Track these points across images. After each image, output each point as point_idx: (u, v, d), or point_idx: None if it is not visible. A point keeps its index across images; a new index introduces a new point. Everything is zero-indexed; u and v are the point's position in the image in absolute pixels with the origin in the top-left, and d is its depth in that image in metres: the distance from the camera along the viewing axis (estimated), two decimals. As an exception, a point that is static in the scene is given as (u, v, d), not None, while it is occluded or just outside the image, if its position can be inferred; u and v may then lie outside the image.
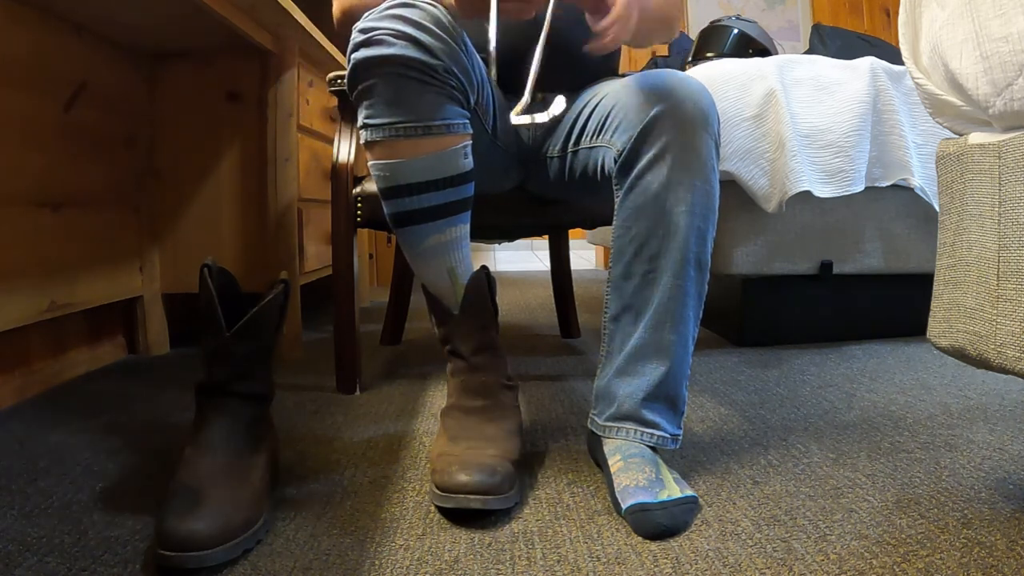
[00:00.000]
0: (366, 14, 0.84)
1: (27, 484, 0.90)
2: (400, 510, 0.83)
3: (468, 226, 0.92)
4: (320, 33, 1.70)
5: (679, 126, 0.86)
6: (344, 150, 1.32)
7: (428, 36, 0.81)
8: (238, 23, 1.42)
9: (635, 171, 0.88)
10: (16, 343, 1.27)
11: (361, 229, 1.35)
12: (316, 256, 1.86)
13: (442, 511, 0.82)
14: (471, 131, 0.89)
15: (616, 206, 0.92)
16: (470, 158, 0.89)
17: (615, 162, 0.91)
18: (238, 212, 1.65)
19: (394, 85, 0.82)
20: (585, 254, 4.74)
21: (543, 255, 4.70)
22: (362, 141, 0.87)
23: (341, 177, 1.30)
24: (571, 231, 1.87)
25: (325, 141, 1.99)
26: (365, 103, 0.84)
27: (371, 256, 3.01)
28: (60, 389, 1.35)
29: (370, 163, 0.87)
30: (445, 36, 0.83)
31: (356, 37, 0.82)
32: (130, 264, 1.58)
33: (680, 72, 0.94)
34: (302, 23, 1.56)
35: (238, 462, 0.78)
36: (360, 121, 0.86)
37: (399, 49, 0.80)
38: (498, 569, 0.70)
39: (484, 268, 0.94)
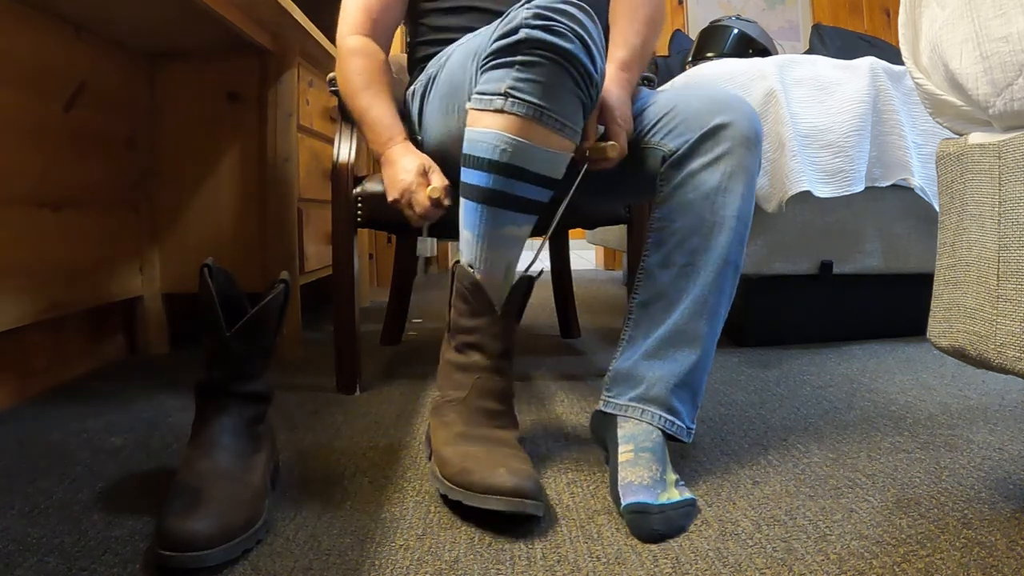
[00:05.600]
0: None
1: (27, 484, 0.90)
2: (400, 510, 0.83)
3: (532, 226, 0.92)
4: (320, 33, 1.70)
5: (736, 139, 0.92)
6: (344, 150, 1.32)
7: (595, 47, 0.83)
8: (238, 23, 1.42)
9: (687, 170, 0.93)
10: (16, 343, 1.27)
11: (361, 229, 1.35)
12: (316, 256, 1.86)
13: (471, 511, 0.78)
14: (579, 139, 0.90)
15: (659, 199, 0.96)
16: (564, 171, 0.89)
17: (664, 161, 0.96)
18: (238, 212, 1.65)
19: (557, 75, 0.81)
20: (585, 254, 4.74)
21: (543, 255, 4.70)
22: (484, 105, 0.84)
23: (341, 177, 1.30)
24: (571, 231, 1.87)
25: (325, 141, 1.99)
26: (518, 73, 0.81)
27: (371, 256, 3.01)
28: (60, 389, 1.35)
29: (490, 131, 0.83)
30: (604, 52, 0.87)
31: (531, 19, 0.80)
32: (130, 264, 1.58)
33: (729, 89, 1.00)
34: (302, 23, 1.56)
35: (238, 462, 0.78)
36: (501, 87, 0.82)
37: (575, 48, 0.80)
38: (498, 569, 0.70)
39: (530, 276, 0.93)
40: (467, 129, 0.87)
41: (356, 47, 1.16)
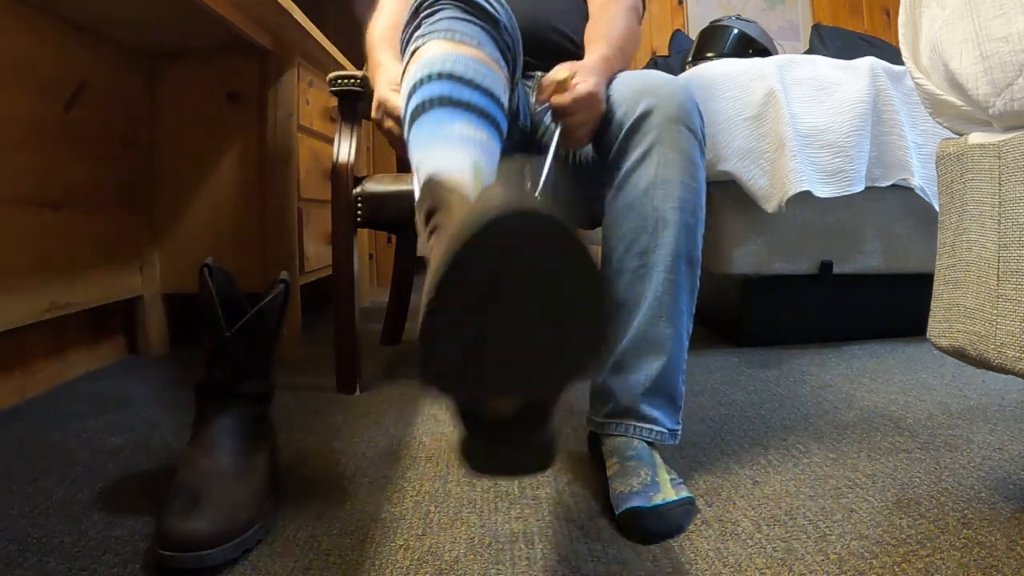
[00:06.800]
0: None
1: (27, 484, 0.90)
2: (400, 510, 0.83)
3: (498, 157, 0.79)
4: (320, 33, 1.70)
5: (662, 124, 0.88)
6: (344, 150, 1.32)
7: (496, 2, 0.82)
8: (238, 23, 1.42)
9: (623, 170, 0.90)
10: (16, 343, 1.27)
11: (361, 229, 1.35)
12: (316, 256, 1.86)
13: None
14: (508, 80, 0.85)
15: (604, 205, 0.93)
16: (506, 107, 0.82)
17: (602, 163, 0.93)
18: (238, 212, 1.65)
19: (457, 13, 0.80)
20: (585, 254, 4.73)
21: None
22: (407, 57, 0.82)
23: (341, 177, 1.30)
24: (571, 231, 1.86)
25: (325, 141, 1.99)
26: (426, 26, 0.81)
27: (371, 256, 3.01)
28: (60, 389, 1.35)
29: (415, 64, 0.79)
30: (506, 6, 0.84)
31: None
32: (130, 264, 1.58)
33: (661, 72, 0.96)
34: (302, 23, 1.56)
35: (238, 462, 0.78)
36: (415, 36, 0.81)
37: None
38: (498, 569, 0.70)
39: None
40: (403, 85, 0.82)
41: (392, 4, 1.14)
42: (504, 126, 0.80)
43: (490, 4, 0.82)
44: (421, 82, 0.76)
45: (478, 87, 0.77)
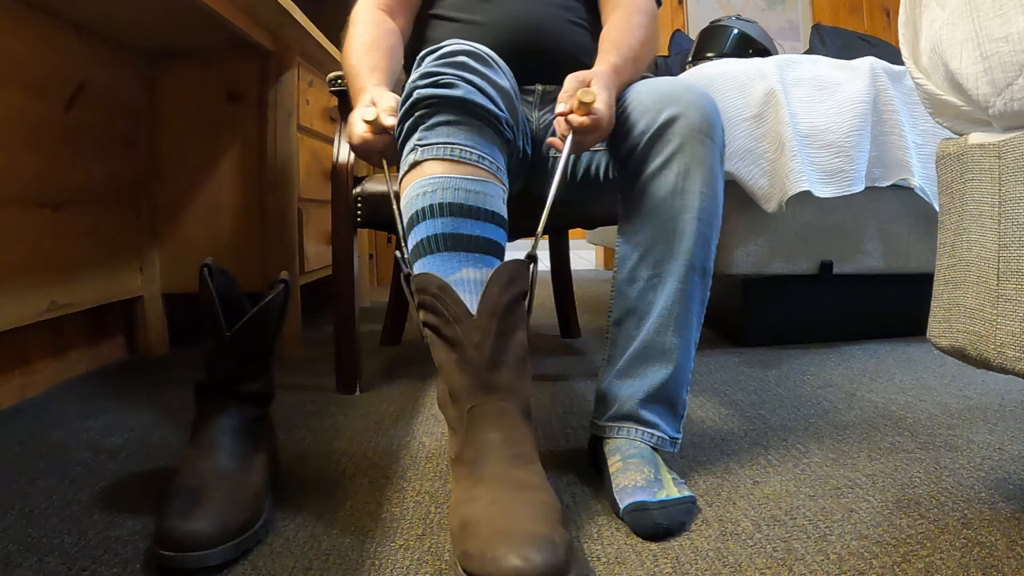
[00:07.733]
0: (428, 59, 0.83)
1: (27, 484, 0.90)
2: (400, 510, 0.83)
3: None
4: (320, 33, 1.70)
5: (685, 134, 0.87)
6: (344, 150, 1.32)
7: (490, 87, 0.81)
8: (238, 23, 1.42)
9: (641, 178, 0.90)
10: (16, 343, 1.27)
11: (361, 229, 1.35)
12: (316, 256, 1.86)
13: None
14: (507, 182, 0.85)
15: (620, 212, 0.93)
16: (506, 217, 0.83)
17: (622, 164, 0.92)
18: (238, 212, 1.65)
19: (454, 118, 0.80)
20: (585, 254, 4.74)
21: (543, 255, 4.69)
22: (405, 168, 0.81)
23: (341, 177, 1.30)
24: (571, 231, 1.87)
25: (325, 141, 1.99)
26: (422, 132, 0.80)
27: (371, 256, 3.01)
28: (60, 389, 1.35)
29: (416, 182, 0.79)
30: (507, 88, 0.84)
31: (419, 80, 0.81)
32: (130, 264, 1.58)
33: (684, 80, 0.95)
34: (302, 23, 1.56)
35: (238, 462, 0.78)
36: (411, 144, 0.81)
37: (464, 92, 0.79)
38: (498, 569, 0.70)
39: (531, 259, 0.81)
40: (401, 199, 0.83)
41: (365, 16, 1.12)
42: (505, 242, 0.83)
43: (491, 101, 0.81)
44: (422, 214, 0.78)
45: (480, 214, 0.79)
